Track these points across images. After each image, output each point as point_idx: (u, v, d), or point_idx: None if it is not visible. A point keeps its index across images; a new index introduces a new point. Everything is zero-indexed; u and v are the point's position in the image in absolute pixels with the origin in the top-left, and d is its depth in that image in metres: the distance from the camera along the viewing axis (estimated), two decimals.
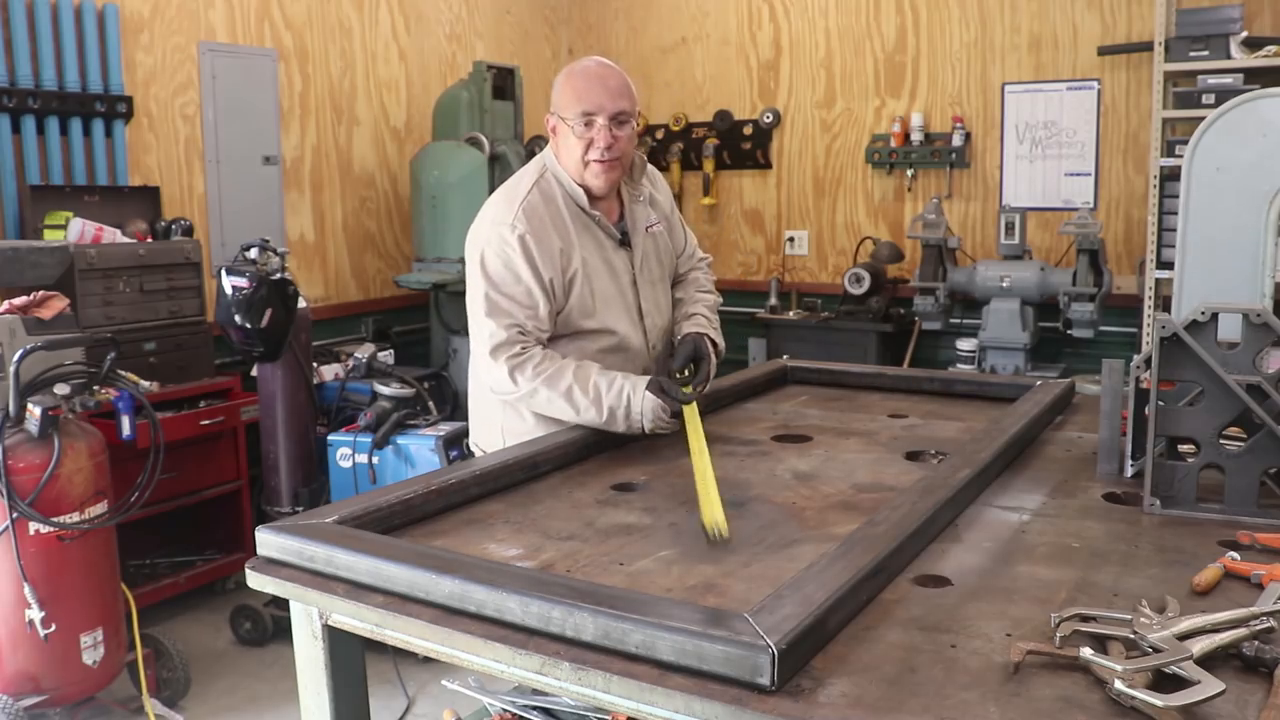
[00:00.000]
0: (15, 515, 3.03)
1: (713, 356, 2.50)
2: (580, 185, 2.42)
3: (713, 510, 1.77)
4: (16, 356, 3.07)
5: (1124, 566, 1.59)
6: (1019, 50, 5.56)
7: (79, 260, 3.87)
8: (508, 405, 2.44)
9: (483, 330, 2.34)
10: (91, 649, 3.22)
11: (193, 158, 4.76)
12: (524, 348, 2.32)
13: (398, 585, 1.49)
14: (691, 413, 2.22)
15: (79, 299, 3.79)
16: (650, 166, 2.66)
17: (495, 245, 2.35)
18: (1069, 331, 5.09)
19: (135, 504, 3.33)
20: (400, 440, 4.16)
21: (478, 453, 2.58)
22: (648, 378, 2.30)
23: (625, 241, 2.50)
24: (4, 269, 3.64)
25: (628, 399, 2.26)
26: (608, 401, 2.26)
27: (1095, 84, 5.38)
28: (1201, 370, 1.80)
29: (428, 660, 2.90)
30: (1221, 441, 1.82)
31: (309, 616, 1.63)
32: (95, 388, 3.35)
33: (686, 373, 2.42)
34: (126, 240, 4.16)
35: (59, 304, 3.35)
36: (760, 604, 1.31)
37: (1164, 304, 4.77)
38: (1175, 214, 3.90)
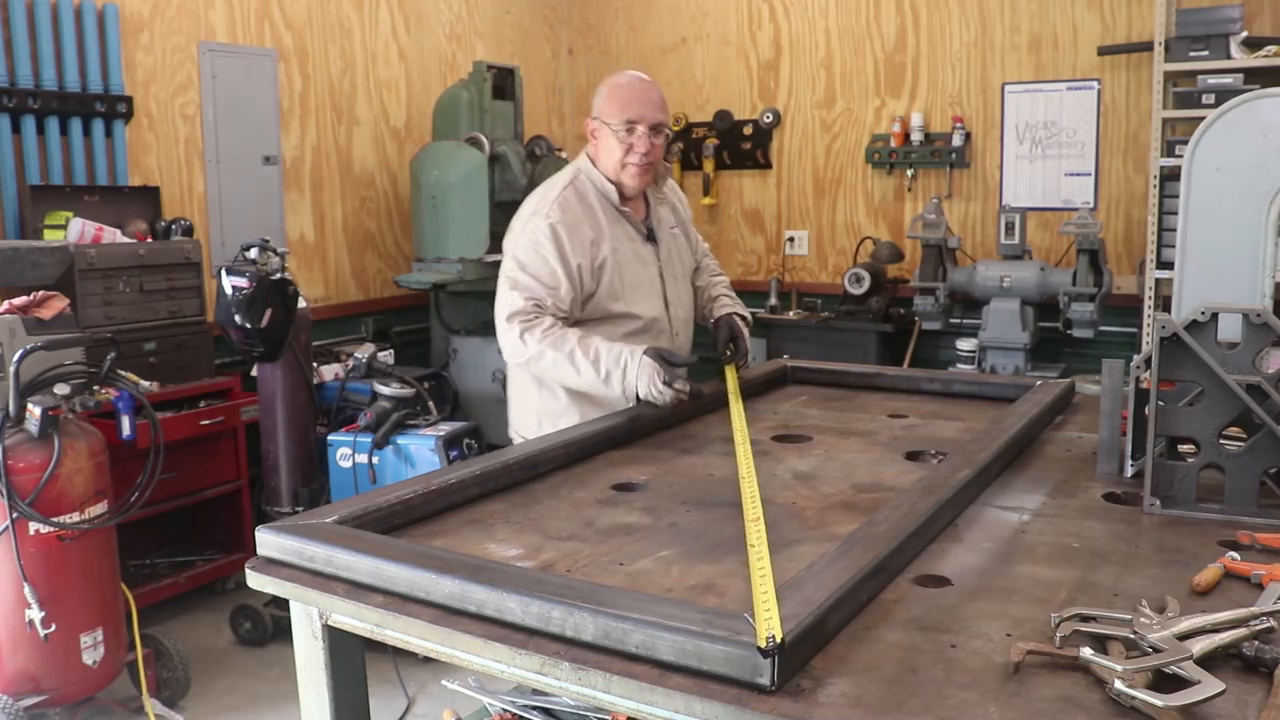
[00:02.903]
0: (15, 515, 3.03)
1: (746, 332, 2.84)
2: (614, 183, 2.65)
3: (769, 610, 1.28)
4: (16, 356, 3.07)
5: (1124, 566, 1.59)
6: (1019, 50, 5.56)
7: (79, 260, 3.87)
8: (543, 388, 2.65)
9: (504, 300, 2.56)
10: (91, 649, 3.22)
11: (193, 158, 4.76)
12: (537, 316, 2.52)
13: (398, 585, 1.49)
14: (738, 412, 2.22)
15: (79, 299, 3.79)
16: (671, 180, 2.91)
17: (529, 233, 2.59)
18: (1069, 331, 5.09)
19: (135, 504, 3.33)
20: (400, 440, 4.16)
21: (516, 439, 2.73)
22: (646, 345, 2.44)
23: (652, 237, 2.75)
24: (4, 269, 3.64)
25: (625, 363, 2.41)
26: (605, 364, 2.42)
27: (1095, 84, 5.38)
28: (1201, 370, 1.80)
29: (428, 660, 2.90)
30: (1221, 441, 1.82)
31: (309, 616, 1.63)
32: (95, 388, 3.35)
33: (729, 352, 2.78)
34: (126, 240, 4.16)
35: (59, 304, 3.35)
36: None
37: (1164, 304, 4.77)
38: (1175, 214, 3.90)
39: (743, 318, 2.89)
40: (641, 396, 2.42)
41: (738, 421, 2.33)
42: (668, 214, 2.83)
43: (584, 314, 2.63)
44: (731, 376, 2.66)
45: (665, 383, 2.39)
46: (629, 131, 2.60)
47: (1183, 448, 1.90)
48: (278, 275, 3.86)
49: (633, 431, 2.42)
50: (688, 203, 3.02)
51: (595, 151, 2.69)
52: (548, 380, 2.62)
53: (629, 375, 2.41)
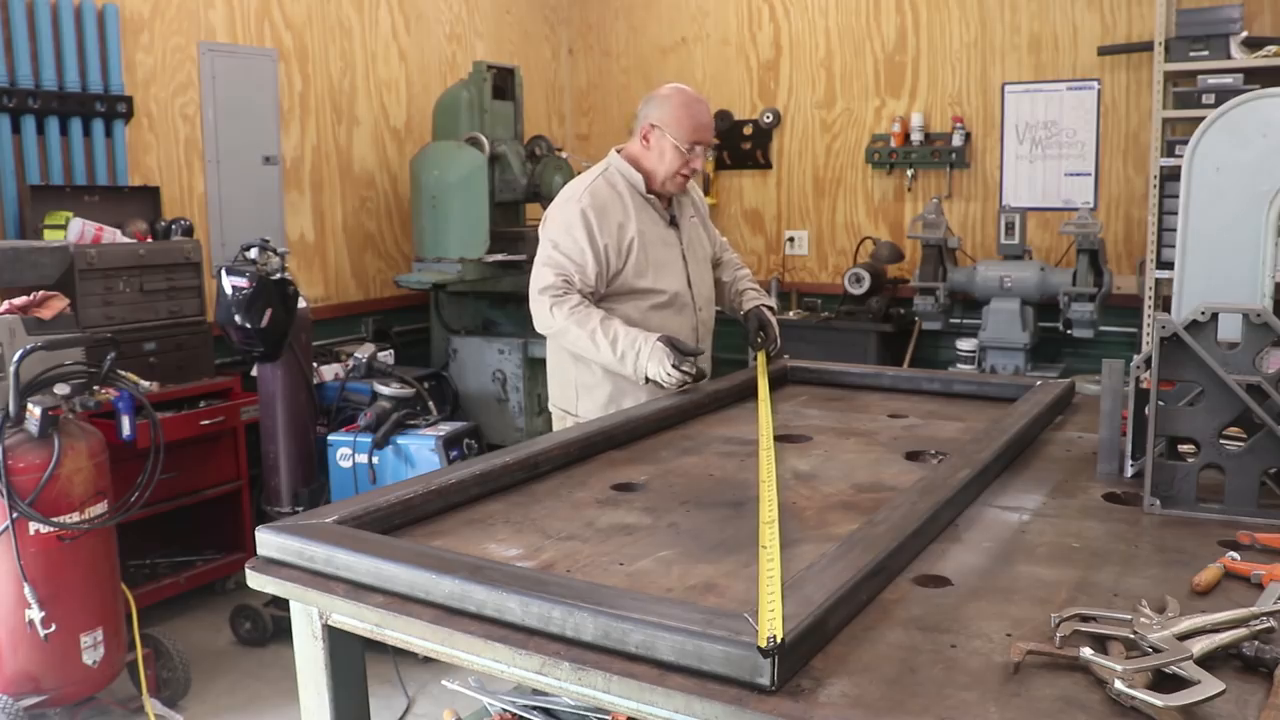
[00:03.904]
0: (15, 515, 3.03)
1: (774, 321, 3.07)
2: (644, 173, 2.92)
3: (773, 611, 1.29)
4: (16, 356, 3.06)
5: (1124, 566, 1.59)
6: (1019, 50, 5.56)
7: (79, 260, 3.87)
8: (579, 362, 2.90)
9: (537, 276, 2.85)
10: (91, 649, 3.22)
11: (193, 158, 4.76)
12: (565, 292, 2.79)
13: (398, 585, 1.49)
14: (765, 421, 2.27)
15: (79, 299, 3.79)
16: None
17: (562, 217, 2.87)
18: (1069, 331, 5.09)
19: (135, 504, 3.33)
20: (400, 440, 4.16)
21: (555, 413, 3.06)
22: (660, 334, 2.72)
23: (674, 223, 3.01)
24: (4, 269, 3.64)
25: (639, 347, 2.69)
26: (621, 346, 2.70)
27: (1095, 84, 5.38)
28: (1201, 370, 1.80)
29: (428, 660, 2.90)
30: (1221, 441, 1.82)
31: (309, 616, 1.63)
32: (95, 388, 3.35)
33: (760, 339, 3.01)
34: (126, 240, 4.16)
35: (59, 304, 3.35)
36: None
37: (1164, 304, 4.76)
38: (1175, 214, 3.89)
39: (770, 308, 3.14)
40: (650, 377, 2.69)
41: (764, 416, 2.34)
42: (688, 204, 3.10)
43: (613, 289, 2.87)
44: (763, 364, 2.88)
45: (674, 366, 2.66)
46: (690, 150, 2.87)
47: (1183, 448, 1.90)
48: (278, 275, 3.86)
49: (633, 431, 2.42)
50: (704, 199, 3.28)
51: (641, 151, 2.93)
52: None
53: (641, 358, 2.68)
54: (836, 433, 2.49)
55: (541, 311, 2.83)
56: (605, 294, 2.87)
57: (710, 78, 6.43)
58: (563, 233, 2.84)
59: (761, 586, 1.36)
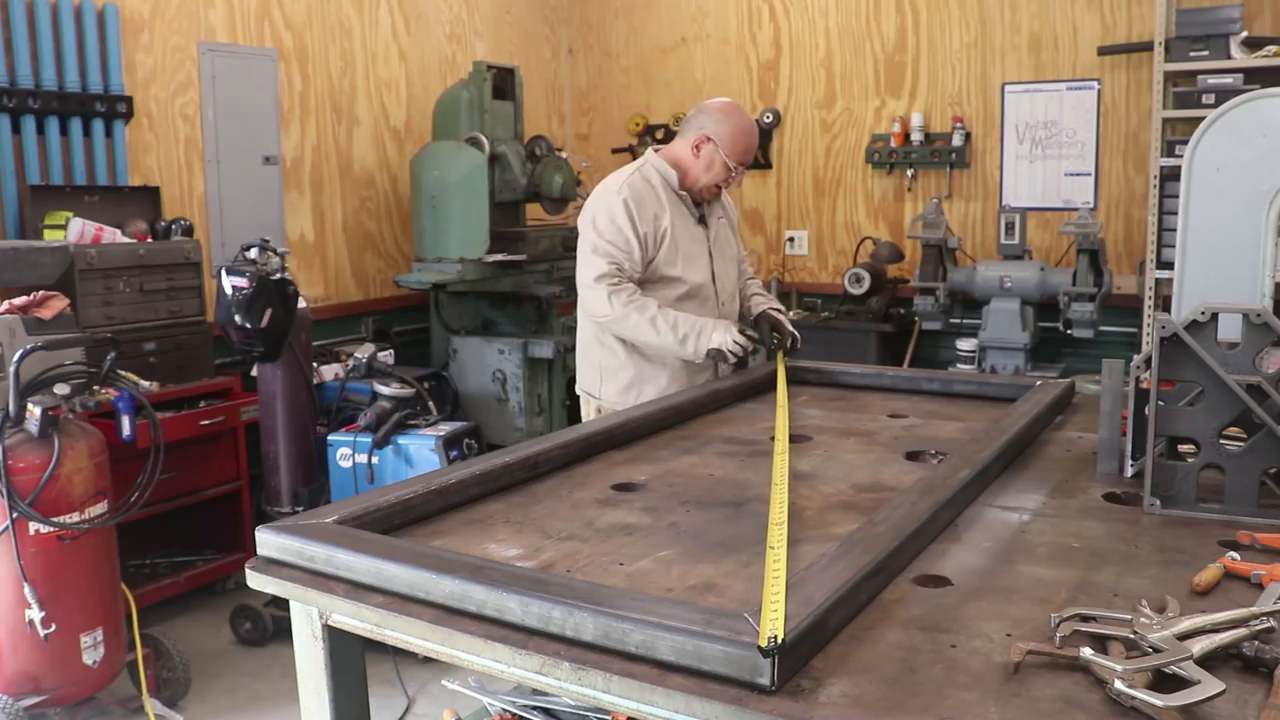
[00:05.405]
0: (15, 515, 3.03)
1: (785, 320, 3.23)
2: (681, 174, 3.08)
3: (775, 611, 1.29)
4: (16, 356, 3.06)
5: (1124, 566, 1.59)
6: (1019, 50, 5.56)
7: (79, 260, 3.87)
8: (604, 346, 3.08)
9: (589, 265, 2.98)
10: (91, 649, 3.22)
11: (193, 158, 4.76)
12: (619, 280, 2.94)
13: (398, 585, 1.49)
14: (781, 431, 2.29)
15: (79, 299, 3.79)
16: None
17: (604, 207, 3.00)
18: (1069, 331, 5.09)
19: (135, 504, 3.33)
20: (400, 440, 4.15)
21: (582, 395, 3.20)
22: (721, 320, 2.95)
23: (703, 220, 3.16)
24: (4, 269, 3.64)
25: (699, 329, 2.89)
26: (683, 329, 2.89)
27: (1095, 84, 5.38)
28: (1201, 370, 1.80)
29: (428, 660, 2.90)
30: (1221, 441, 1.82)
31: (309, 616, 1.63)
32: (95, 388, 3.35)
33: (776, 340, 3.16)
34: (126, 240, 4.16)
35: (59, 304, 3.35)
36: (760, 604, 1.31)
37: (1164, 304, 4.76)
38: (1175, 214, 3.89)
39: (778, 310, 3.30)
40: (716, 346, 2.88)
41: (781, 420, 2.35)
42: (717, 205, 3.24)
43: (645, 275, 3.01)
44: (782, 366, 2.98)
45: (740, 331, 2.89)
46: (735, 170, 3.05)
47: (1183, 448, 1.90)
48: (278, 275, 3.86)
49: (633, 432, 2.42)
50: (735, 207, 3.44)
51: (688, 158, 3.06)
52: (611, 339, 3.05)
53: (705, 332, 2.88)
54: (836, 433, 2.49)
55: (599, 299, 2.95)
56: (638, 280, 3.02)
57: (710, 78, 6.44)
58: (607, 222, 2.98)
59: (767, 586, 1.36)
